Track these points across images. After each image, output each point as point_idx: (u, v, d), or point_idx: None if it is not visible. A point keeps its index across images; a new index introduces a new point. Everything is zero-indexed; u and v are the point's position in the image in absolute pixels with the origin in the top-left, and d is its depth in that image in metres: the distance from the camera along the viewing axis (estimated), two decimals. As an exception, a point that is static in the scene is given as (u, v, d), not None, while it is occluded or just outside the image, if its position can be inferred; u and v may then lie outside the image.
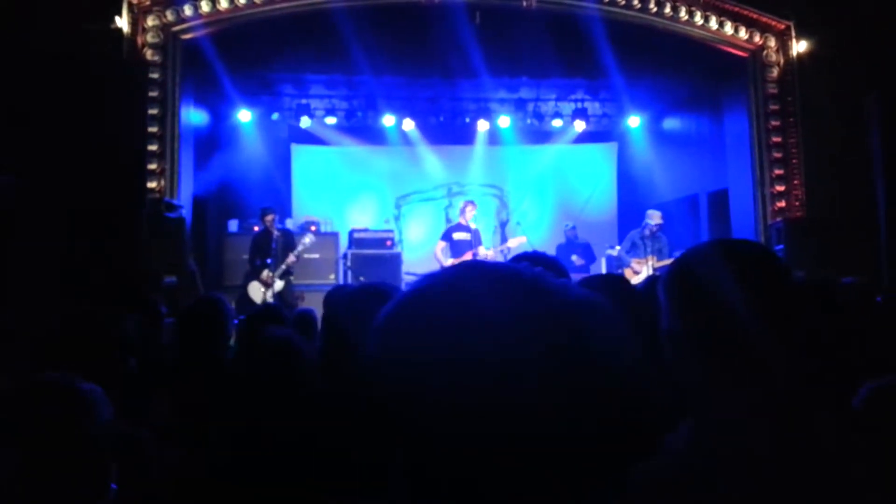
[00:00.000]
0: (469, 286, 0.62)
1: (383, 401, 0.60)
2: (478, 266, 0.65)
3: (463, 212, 9.04)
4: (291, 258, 8.32)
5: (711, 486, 0.96)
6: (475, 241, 8.85)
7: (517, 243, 8.91)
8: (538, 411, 0.57)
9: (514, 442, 0.57)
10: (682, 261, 1.18)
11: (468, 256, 8.72)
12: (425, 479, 0.59)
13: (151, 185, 7.37)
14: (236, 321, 3.40)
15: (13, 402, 1.13)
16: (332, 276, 9.59)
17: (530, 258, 2.25)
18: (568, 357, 0.58)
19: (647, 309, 1.65)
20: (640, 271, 8.47)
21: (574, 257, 9.79)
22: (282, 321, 3.34)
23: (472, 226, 8.95)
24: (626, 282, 2.52)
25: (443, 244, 8.97)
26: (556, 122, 11.15)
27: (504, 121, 11.06)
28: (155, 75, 7.54)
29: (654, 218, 8.67)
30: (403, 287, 10.23)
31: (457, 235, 8.92)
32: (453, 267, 0.66)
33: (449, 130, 11.38)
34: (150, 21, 7.64)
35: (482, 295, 0.60)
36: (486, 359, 0.57)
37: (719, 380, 1.09)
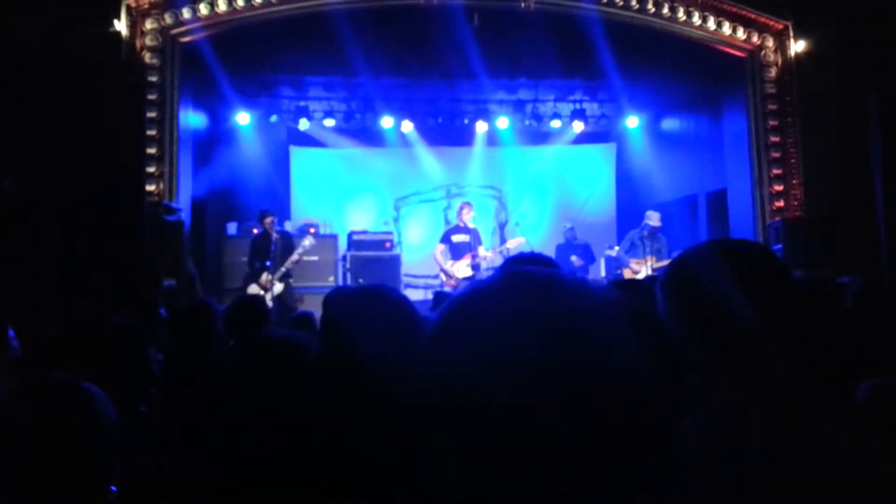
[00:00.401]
0: (515, 293, 0.63)
1: (433, 402, 0.62)
2: (523, 274, 0.66)
3: (460, 213, 9.05)
4: (293, 259, 8.32)
5: (712, 485, 0.96)
6: (474, 241, 8.85)
7: (516, 244, 8.92)
8: (584, 416, 0.58)
9: (555, 444, 0.58)
10: (679, 261, 1.18)
11: (468, 258, 8.73)
12: (471, 480, 0.60)
13: (150, 188, 7.37)
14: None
15: (16, 401, 1.13)
16: (332, 279, 9.59)
17: (528, 259, 2.25)
18: (605, 358, 0.60)
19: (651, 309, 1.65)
20: (639, 271, 8.48)
21: (573, 258, 9.79)
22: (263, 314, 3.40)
23: (471, 226, 8.95)
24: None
25: (442, 247, 8.98)
26: (555, 123, 11.16)
27: (503, 122, 11.07)
28: (153, 78, 7.53)
29: (653, 219, 8.68)
30: (402, 289, 10.25)
31: (456, 238, 8.92)
32: (499, 274, 0.68)
33: (447, 132, 11.39)
34: (149, 24, 7.64)
35: (528, 300, 0.62)
36: (534, 365, 0.58)
37: (718, 379, 1.09)
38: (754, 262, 1.13)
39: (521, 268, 0.68)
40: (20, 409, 1.11)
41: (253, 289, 8.26)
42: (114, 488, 1.19)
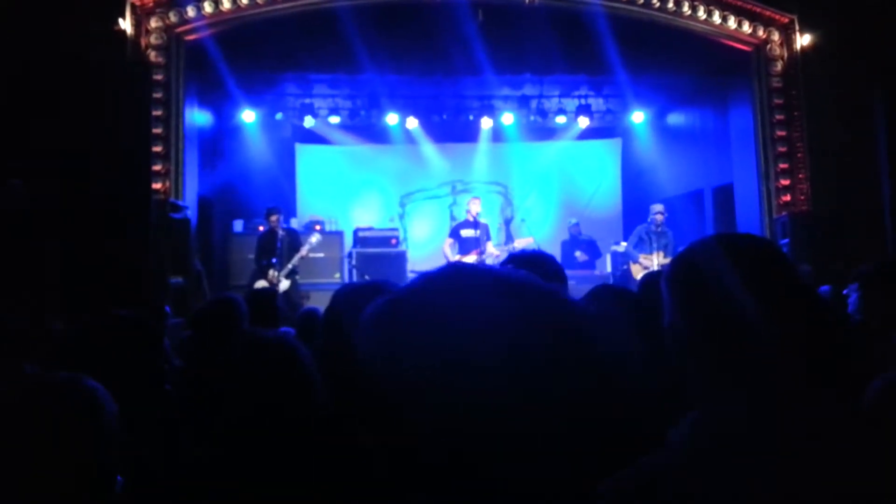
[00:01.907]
0: (452, 289, 0.62)
1: (373, 394, 0.61)
2: (463, 269, 0.65)
3: (469, 208, 9.05)
4: (299, 256, 8.34)
5: (712, 481, 0.96)
6: (483, 237, 8.84)
7: (524, 244, 8.87)
8: (523, 410, 0.57)
9: (499, 438, 0.57)
10: (683, 255, 1.17)
11: (474, 254, 8.72)
12: (414, 472, 0.60)
13: (156, 186, 7.39)
14: None
15: (21, 400, 1.15)
16: (338, 275, 9.61)
17: (528, 257, 2.26)
18: (546, 356, 0.59)
19: (651, 305, 1.64)
20: (649, 266, 8.40)
21: (578, 253, 9.78)
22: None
23: (482, 221, 8.95)
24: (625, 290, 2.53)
25: (450, 241, 8.98)
26: (560, 119, 11.14)
27: (508, 118, 11.05)
28: (159, 77, 7.55)
29: (657, 211, 8.65)
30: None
31: (464, 232, 8.92)
32: (438, 270, 0.67)
33: (453, 128, 11.39)
34: (154, 22, 7.66)
35: (465, 296, 0.61)
36: (469, 357, 0.57)
37: (720, 375, 1.09)
38: (759, 256, 1.12)
39: (463, 264, 0.66)
40: (23, 407, 1.12)
41: (260, 285, 8.28)
42: (119, 479, 1.21)
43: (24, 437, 1.09)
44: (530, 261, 2.20)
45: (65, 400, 1.14)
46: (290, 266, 8.30)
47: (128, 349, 1.87)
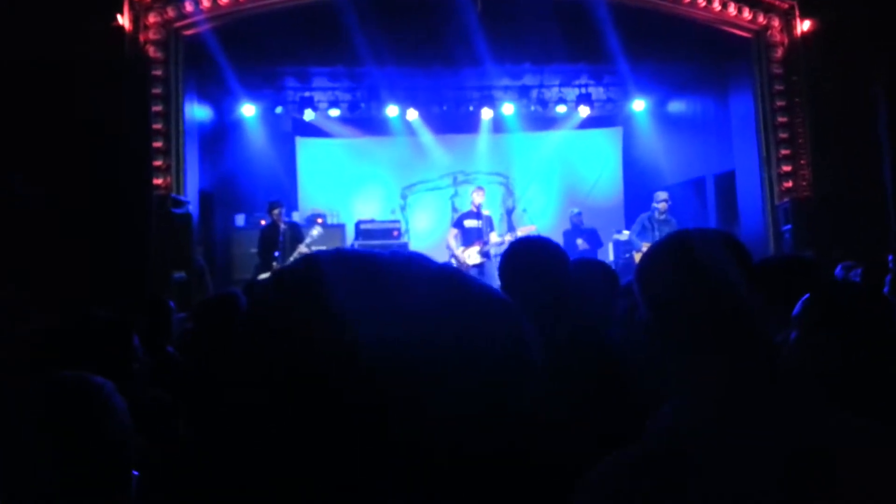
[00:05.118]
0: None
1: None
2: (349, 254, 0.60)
3: (472, 199, 9.06)
4: (301, 249, 8.36)
5: (690, 470, 0.97)
6: (486, 227, 8.86)
7: (526, 232, 8.89)
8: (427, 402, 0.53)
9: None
10: (644, 258, 1.21)
11: (478, 245, 8.74)
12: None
13: (157, 181, 7.39)
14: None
15: (31, 398, 1.15)
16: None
17: (533, 243, 2.26)
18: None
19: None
20: (651, 255, 8.40)
21: (579, 241, 9.79)
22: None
23: (485, 212, 8.96)
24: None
25: (455, 231, 9.00)
26: (561, 108, 11.12)
27: (508, 108, 11.03)
28: (158, 72, 7.54)
29: (662, 199, 8.65)
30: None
31: (468, 223, 8.93)
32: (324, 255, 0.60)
33: (453, 119, 11.37)
34: (152, 18, 7.64)
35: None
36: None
37: (689, 367, 1.11)
38: (711, 250, 1.14)
39: (350, 250, 0.61)
40: (34, 407, 1.13)
41: (264, 278, 8.30)
42: (135, 473, 1.22)
43: (41, 437, 1.10)
44: (535, 246, 2.21)
45: (77, 397, 1.15)
46: (292, 259, 8.31)
47: (96, 349, 1.88)
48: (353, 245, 9.76)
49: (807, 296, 1.65)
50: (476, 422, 0.53)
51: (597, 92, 11.14)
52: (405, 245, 9.96)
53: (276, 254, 8.27)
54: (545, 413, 0.58)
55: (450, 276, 0.57)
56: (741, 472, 0.95)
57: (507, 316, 0.57)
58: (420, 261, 0.58)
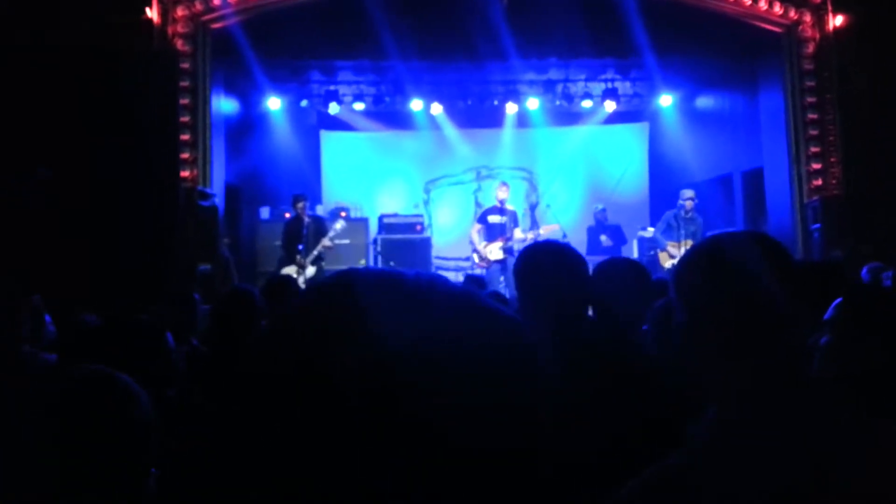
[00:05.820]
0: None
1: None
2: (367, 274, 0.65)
3: (497, 194, 9.04)
4: (325, 243, 8.41)
5: (732, 478, 0.96)
6: (511, 223, 8.82)
7: (549, 231, 8.84)
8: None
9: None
10: (684, 259, 1.19)
11: (501, 241, 8.71)
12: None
13: (184, 173, 7.47)
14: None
15: (55, 393, 1.16)
16: (363, 262, 9.65)
17: (547, 247, 2.25)
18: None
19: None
20: (676, 255, 8.30)
21: (603, 237, 9.72)
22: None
23: (510, 207, 8.93)
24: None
25: (478, 226, 8.99)
26: (586, 103, 11.02)
27: (533, 103, 10.97)
28: (185, 65, 7.61)
29: (688, 197, 8.55)
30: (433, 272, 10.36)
31: (492, 218, 8.91)
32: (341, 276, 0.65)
33: (477, 114, 11.33)
34: (180, 11, 7.71)
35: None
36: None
37: (722, 372, 1.09)
38: (756, 254, 1.12)
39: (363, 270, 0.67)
40: (60, 400, 1.14)
41: (287, 272, 8.35)
42: (154, 471, 1.23)
43: (63, 431, 1.11)
44: (549, 249, 2.20)
45: (102, 392, 1.16)
46: (315, 252, 8.36)
47: (135, 355, 1.89)
48: (375, 238, 9.79)
49: (839, 300, 1.62)
50: (481, 417, 0.57)
51: (623, 87, 11.03)
52: (428, 239, 9.95)
53: (300, 247, 8.32)
54: (549, 413, 0.62)
55: (466, 295, 0.64)
56: (774, 479, 0.94)
57: (514, 328, 0.63)
58: (442, 280, 0.65)
